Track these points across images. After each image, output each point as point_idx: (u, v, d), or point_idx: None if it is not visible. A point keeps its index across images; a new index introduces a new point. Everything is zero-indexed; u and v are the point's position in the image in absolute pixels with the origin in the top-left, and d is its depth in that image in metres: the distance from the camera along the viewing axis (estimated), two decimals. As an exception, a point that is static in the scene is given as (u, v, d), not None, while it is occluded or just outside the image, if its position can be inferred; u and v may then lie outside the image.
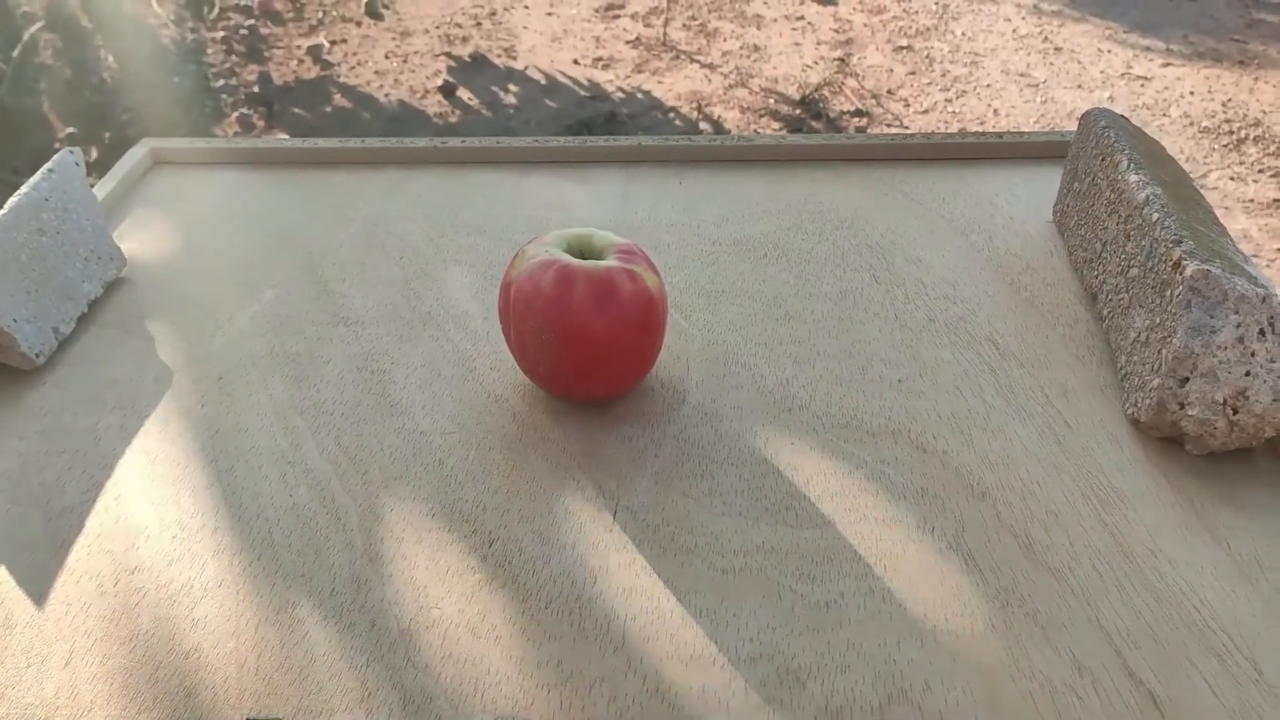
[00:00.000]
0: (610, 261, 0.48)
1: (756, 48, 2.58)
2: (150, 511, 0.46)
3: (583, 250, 0.50)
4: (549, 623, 0.41)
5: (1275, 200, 1.95)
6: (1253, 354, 0.45)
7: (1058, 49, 2.56)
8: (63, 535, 0.45)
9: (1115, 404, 0.51)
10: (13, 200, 0.56)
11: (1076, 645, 0.39)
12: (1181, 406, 0.46)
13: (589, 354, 0.47)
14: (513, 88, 2.40)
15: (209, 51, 2.53)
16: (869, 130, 2.21)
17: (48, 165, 0.59)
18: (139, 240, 0.67)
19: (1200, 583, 0.42)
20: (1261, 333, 0.45)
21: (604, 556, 0.43)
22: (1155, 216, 0.50)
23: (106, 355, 0.56)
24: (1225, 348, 0.44)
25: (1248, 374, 0.45)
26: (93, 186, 0.65)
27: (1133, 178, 0.53)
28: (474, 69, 2.49)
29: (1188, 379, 0.46)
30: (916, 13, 2.77)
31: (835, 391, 0.52)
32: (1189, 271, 0.45)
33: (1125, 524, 0.44)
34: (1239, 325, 0.44)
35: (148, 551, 0.44)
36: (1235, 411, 0.45)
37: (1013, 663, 0.39)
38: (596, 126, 2.23)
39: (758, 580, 0.42)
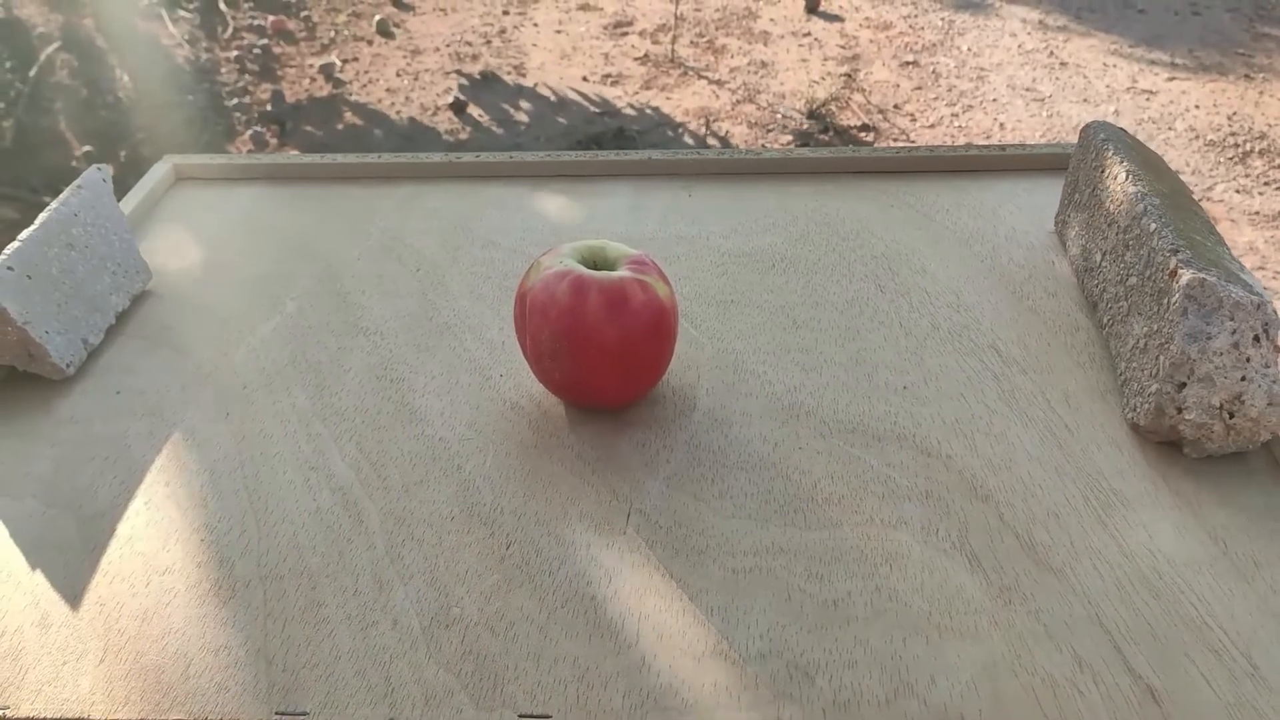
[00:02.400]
0: (623, 272, 0.49)
1: (764, 64, 2.61)
2: (179, 515, 0.48)
3: (596, 261, 0.51)
4: (565, 621, 0.42)
5: (1281, 212, 1.96)
6: (1248, 359, 0.46)
7: (1063, 64, 2.57)
8: (95, 538, 0.47)
9: (1115, 409, 0.52)
10: (43, 216, 0.58)
11: (1077, 642, 0.40)
12: (1179, 411, 0.47)
13: (602, 362, 0.49)
14: (523, 104, 2.43)
15: (222, 70, 2.57)
16: (876, 145, 2.23)
17: (76, 182, 0.61)
18: (164, 254, 0.68)
19: (1198, 581, 0.43)
20: (1256, 338, 0.46)
21: (618, 557, 0.45)
22: (1153, 226, 0.51)
23: (134, 365, 0.58)
24: (1221, 353, 0.46)
25: (1243, 379, 0.46)
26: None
27: (1131, 189, 0.54)
28: (484, 86, 2.52)
29: (1185, 384, 0.47)
30: (923, 29, 2.79)
31: (842, 398, 0.53)
32: (1185, 280, 0.46)
33: (1125, 525, 0.45)
34: (1234, 331, 0.46)
35: (178, 553, 0.46)
36: (1231, 415, 0.46)
37: (1015, 658, 0.40)
38: (606, 142, 2.26)
39: (767, 579, 0.43)
